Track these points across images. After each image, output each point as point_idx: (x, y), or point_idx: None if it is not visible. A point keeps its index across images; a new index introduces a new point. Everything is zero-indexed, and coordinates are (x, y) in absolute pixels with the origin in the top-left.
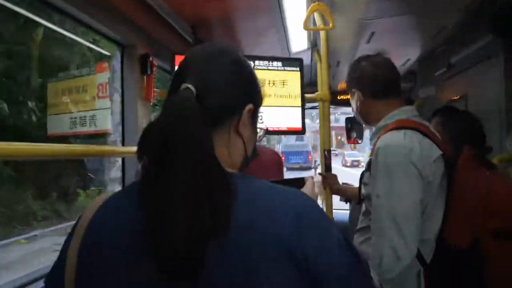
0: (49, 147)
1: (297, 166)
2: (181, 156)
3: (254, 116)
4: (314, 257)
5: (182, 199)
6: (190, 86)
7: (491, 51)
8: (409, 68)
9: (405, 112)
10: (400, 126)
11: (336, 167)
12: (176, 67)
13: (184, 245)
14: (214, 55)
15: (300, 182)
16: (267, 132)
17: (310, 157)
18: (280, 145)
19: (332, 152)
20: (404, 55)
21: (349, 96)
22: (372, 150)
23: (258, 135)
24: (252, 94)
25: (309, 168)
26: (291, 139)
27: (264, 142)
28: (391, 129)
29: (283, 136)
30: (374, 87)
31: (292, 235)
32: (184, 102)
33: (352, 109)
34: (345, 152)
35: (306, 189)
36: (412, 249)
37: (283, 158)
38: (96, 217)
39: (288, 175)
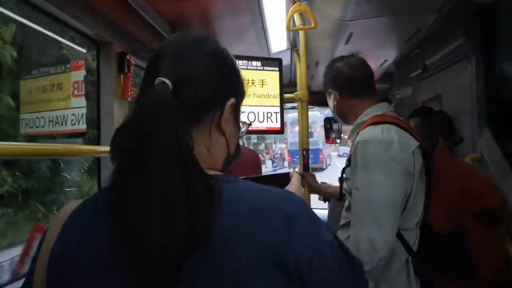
0: (23, 146)
1: None
2: (156, 157)
3: (236, 111)
4: (305, 263)
5: (157, 204)
6: (165, 80)
7: (463, 53)
8: (386, 69)
9: (381, 108)
10: (377, 121)
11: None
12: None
13: (160, 255)
14: (191, 45)
15: (285, 178)
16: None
17: (321, 157)
18: (276, 144)
19: (343, 153)
20: (381, 57)
21: None
22: (352, 146)
23: (241, 130)
24: (234, 87)
25: (320, 170)
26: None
27: (253, 139)
28: (369, 125)
29: (289, 131)
30: (350, 86)
31: (282, 241)
32: (160, 98)
33: (330, 109)
34: None
35: (292, 186)
36: (389, 240)
37: (289, 158)
38: (66, 228)
39: None
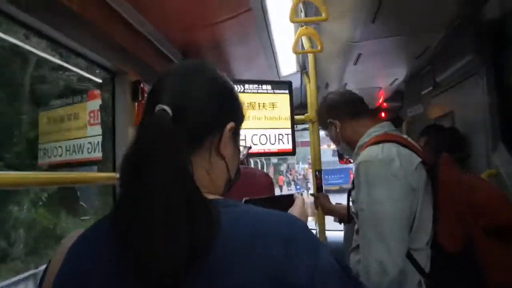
0: (40, 175)
1: (336, 187)
2: (156, 183)
3: (235, 134)
4: (309, 284)
5: (158, 229)
6: (165, 107)
7: (473, 68)
8: (397, 87)
9: (382, 127)
10: (377, 140)
11: None
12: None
13: (160, 279)
14: (190, 73)
15: (289, 199)
16: (249, 149)
17: (352, 176)
18: (299, 164)
19: None
20: (391, 75)
21: None
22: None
23: (241, 154)
24: (232, 112)
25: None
26: (327, 154)
27: (274, 160)
28: (369, 145)
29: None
30: (348, 108)
31: (282, 263)
32: (160, 125)
33: (334, 142)
34: None
35: (295, 208)
36: (399, 261)
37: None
38: (68, 258)
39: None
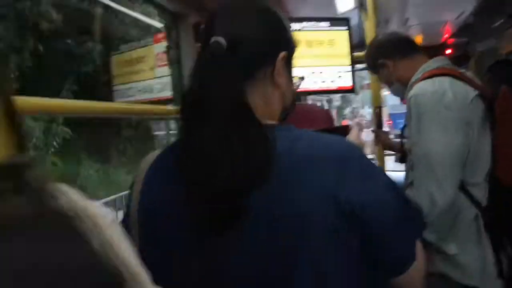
0: (111, 105)
1: None
2: (214, 110)
3: (288, 64)
4: (359, 201)
5: (217, 152)
6: (219, 39)
7: None
8: (465, 21)
9: (435, 62)
10: (430, 75)
11: None
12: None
13: (222, 198)
14: (241, 5)
15: (345, 129)
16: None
17: None
18: (365, 109)
19: None
20: (458, 8)
21: None
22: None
23: (295, 84)
24: (283, 41)
25: None
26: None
27: (336, 102)
28: (421, 80)
29: (388, 92)
30: (399, 47)
31: (336, 181)
32: (215, 56)
33: (387, 83)
34: None
35: (352, 135)
36: (449, 193)
37: (390, 123)
38: (148, 176)
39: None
